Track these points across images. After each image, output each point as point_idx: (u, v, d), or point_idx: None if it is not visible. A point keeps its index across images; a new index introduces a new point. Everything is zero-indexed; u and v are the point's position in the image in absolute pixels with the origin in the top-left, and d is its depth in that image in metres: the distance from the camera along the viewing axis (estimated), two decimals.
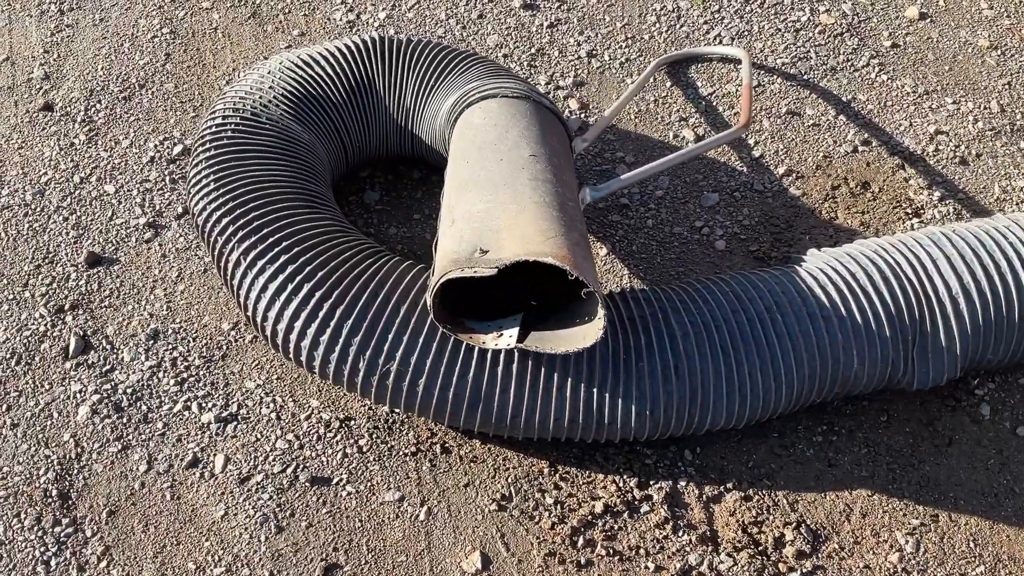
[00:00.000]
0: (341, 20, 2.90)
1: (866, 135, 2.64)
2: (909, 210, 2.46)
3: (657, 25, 2.93)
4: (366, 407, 2.03)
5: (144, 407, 2.05)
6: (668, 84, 2.77)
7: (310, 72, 2.28)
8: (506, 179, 1.87)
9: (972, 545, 1.89)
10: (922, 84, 2.78)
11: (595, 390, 1.83)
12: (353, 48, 2.32)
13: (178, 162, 2.51)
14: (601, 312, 1.67)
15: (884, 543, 1.89)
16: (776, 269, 2.06)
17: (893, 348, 1.94)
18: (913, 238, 2.06)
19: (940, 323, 1.95)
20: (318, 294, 1.85)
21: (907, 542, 1.89)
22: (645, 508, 1.92)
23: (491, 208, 1.80)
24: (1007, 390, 2.13)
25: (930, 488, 1.97)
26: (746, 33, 2.91)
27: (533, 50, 2.83)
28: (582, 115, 2.67)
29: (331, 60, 2.29)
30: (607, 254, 2.36)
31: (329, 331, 1.84)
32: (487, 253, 1.69)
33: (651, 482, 1.96)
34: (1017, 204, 2.49)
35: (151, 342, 2.15)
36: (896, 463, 2.01)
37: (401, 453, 1.97)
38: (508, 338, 1.76)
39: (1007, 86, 2.78)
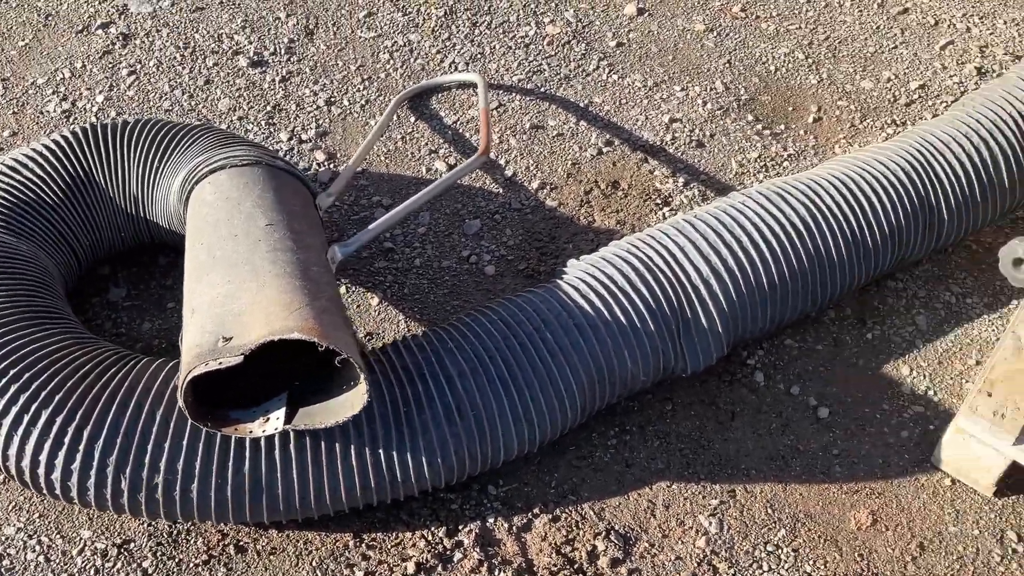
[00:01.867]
0: (55, 111, 2.70)
1: (608, 136, 2.73)
2: (659, 200, 2.56)
3: (392, 62, 2.91)
4: (145, 524, 1.88)
5: None
6: (413, 119, 2.75)
7: (18, 177, 2.10)
8: (243, 256, 1.78)
9: (770, 511, 1.97)
10: (651, 77, 2.91)
11: (381, 451, 1.78)
12: (63, 143, 2.15)
13: None
14: (362, 376, 1.61)
15: (690, 530, 1.94)
16: (539, 287, 2.07)
17: (661, 340, 2.00)
18: (660, 230, 2.13)
19: (699, 307, 2.03)
20: (59, 419, 1.69)
21: (711, 523, 1.95)
22: (458, 556, 1.88)
23: (231, 290, 1.71)
24: (775, 354, 2.24)
25: (723, 465, 2.04)
26: (479, 56, 2.94)
27: (269, 107, 2.75)
28: (330, 166, 2.61)
29: (40, 160, 2.12)
30: (379, 303, 2.31)
31: (80, 456, 1.69)
32: (231, 340, 1.60)
33: (460, 527, 1.92)
34: (754, 175, 2.64)
35: None
36: (688, 448, 2.07)
37: (192, 565, 1.84)
38: (275, 421, 1.68)
39: (727, 65, 2.96)
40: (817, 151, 2.70)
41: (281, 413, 1.68)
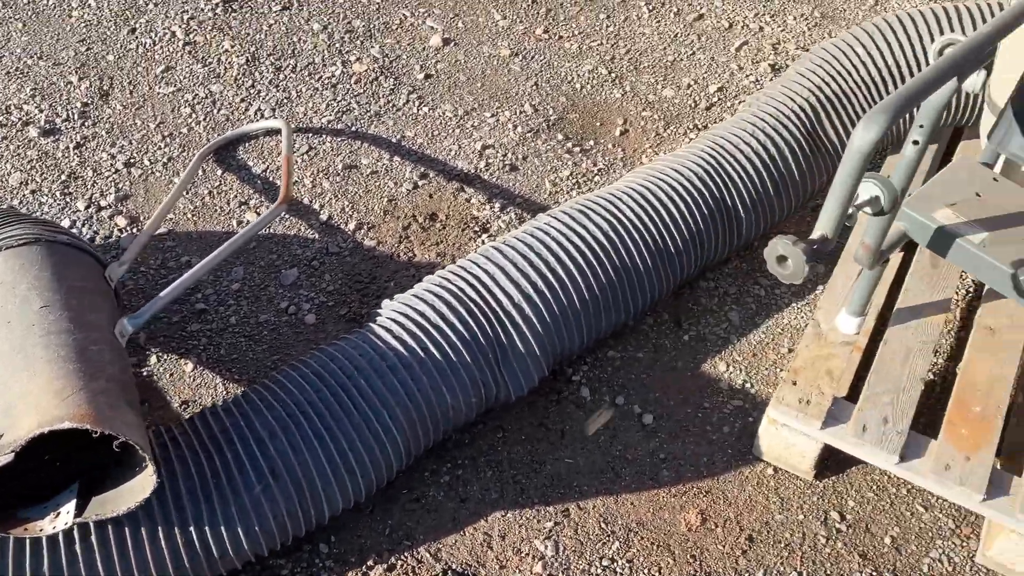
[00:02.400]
0: None
1: (423, 168, 2.72)
2: (477, 228, 2.57)
3: (194, 115, 2.83)
4: None
5: None
6: (220, 172, 2.68)
7: None
8: (16, 344, 1.68)
9: (604, 525, 1.99)
10: (461, 106, 2.92)
11: (193, 528, 1.70)
12: None
13: None
14: (147, 458, 1.54)
15: (527, 557, 1.93)
16: (352, 333, 2.04)
17: (479, 370, 2.00)
18: (470, 260, 2.13)
19: (514, 332, 2.04)
20: None
21: (546, 547, 1.95)
22: None
23: (2, 382, 1.61)
24: (599, 367, 2.27)
25: (556, 485, 2.05)
26: (286, 100, 2.89)
27: (64, 177, 2.62)
28: (133, 230, 2.50)
29: None
30: (194, 368, 2.23)
31: None
32: (1, 437, 1.50)
33: None
34: (567, 192, 2.68)
35: None
36: (521, 473, 2.07)
37: None
38: (66, 515, 1.58)
39: (535, 87, 3.00)
40: (626, 163, 2.77)
41: (71, 507, 1.59)
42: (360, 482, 1.87)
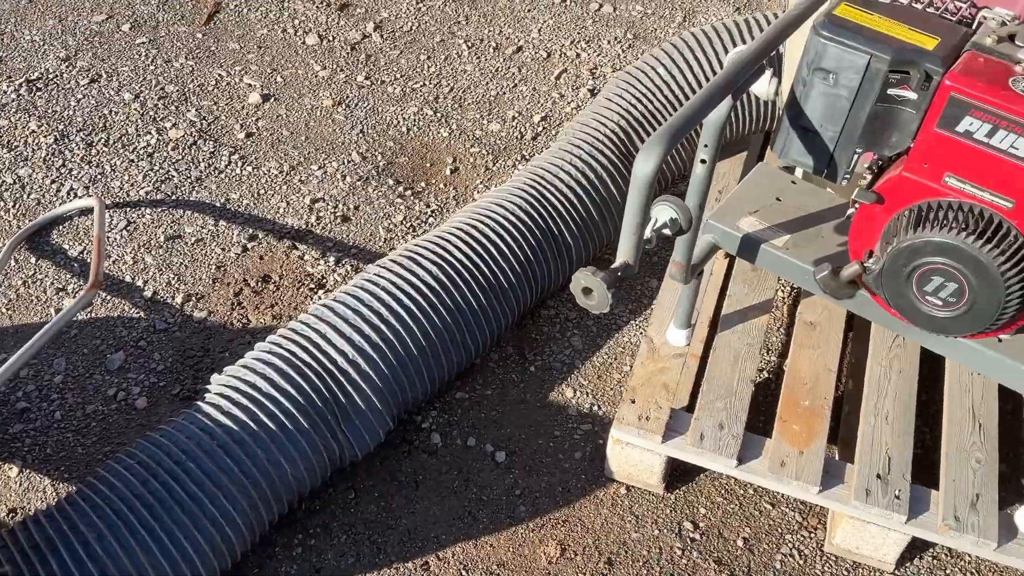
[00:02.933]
0: None
1: (251, 230, 2.66)
2: (312, 285, 2.52)
3: (2, 203, 2.68)
4: None
5: None
6: (34, 259, 2.54)
7: None
8: None
9: (464, 572, 1.97)
10: (286, 161, 2.88)
11: None
12: None
13: None
14: None
15: None
16: (179, 414, 1.96)
17: (320, 434, 1.95)
18: (300, 322, 2.09)
19: (352, 390, 2.00)
20: None
21: None
22: None
23: None
24: (448, 411, 2.26)
25: (413, 539, 2.02)
26: (100, 176, 2.78)
27: None
28: None
29: None
30: (20, 471, 2.09)
31: None
32: None
33: None
34: (402, 237, 2.66)
35: None
36: (376, 532, 2.02)
37: None
38: None
39: (361, 134, 2.98)
40: (458, 200, 2.78)
41: None
42: (202, 570, 1.79)
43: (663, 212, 1.65)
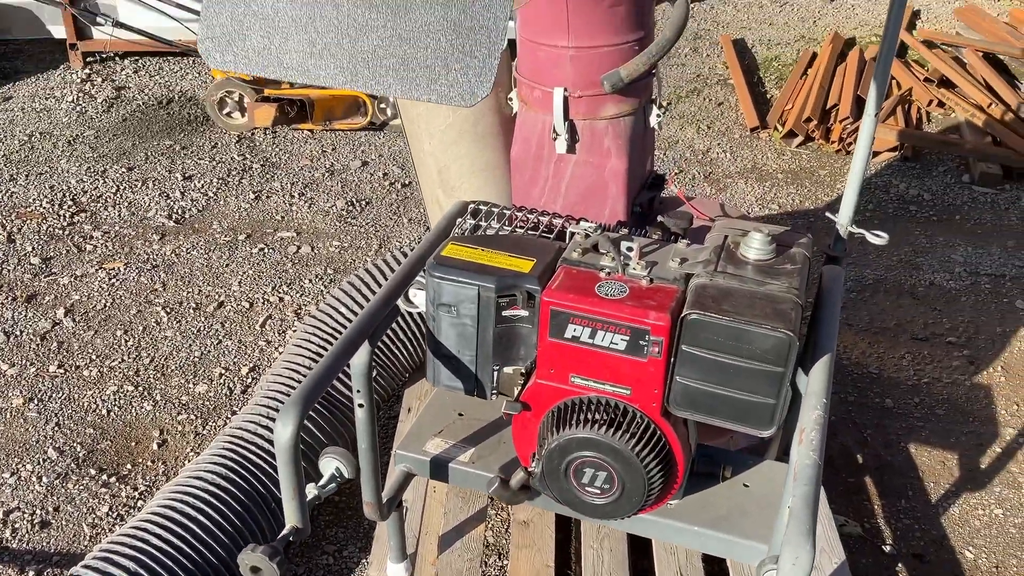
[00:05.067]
0: None
1: None
2: None
3: None
4: None
5: None
6: None
7: None
8: None
9: None
10: None
11: None
12: None
13: None
14: None
15: None
16: None
17: None
18: None
19: None
20: None
21: None
22: None
23: None
24: None
25: None
26: None
27: None
28: None
29: None
30: None
31: None
32: None
33: None
34: (110, 528, 2.51)
35: None
36: None
37: None
38: None
39: (56, 427, 2.84)
40: (168, 475, 2.68)
41: None
42: None
43: (327, 466, 1.69)
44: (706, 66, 5.80)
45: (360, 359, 1.71)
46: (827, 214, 1.96)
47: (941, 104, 5.07)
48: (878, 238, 1.83)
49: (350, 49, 0.91)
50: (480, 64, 0.87)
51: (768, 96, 5.40)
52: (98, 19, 5.22)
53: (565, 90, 1.91)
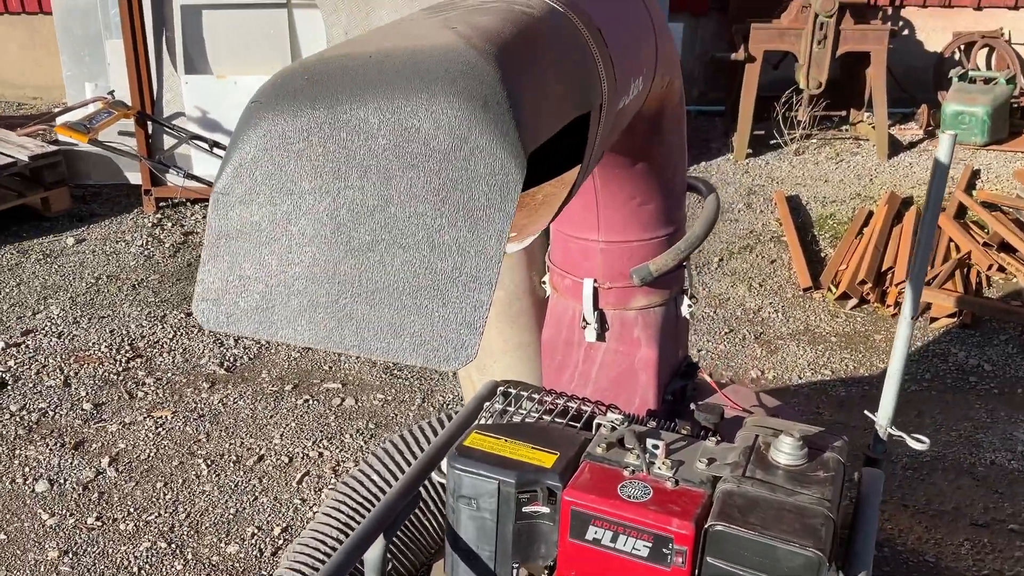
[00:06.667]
0: None
1: None
2: None
3: None
4: None
5: None
6: None
7: None
8: None
9: None
10: None
11: None
12: None
13: None
14: None
15: None
16: None
17: None
18: None
19: None
20: None
21: None
22: None
23: None
24: None
25: None
26: None
27: None
28: None
29: None
30: None
31: None
32: None
33: None
34: None
35: None
36: None
37: None
38: None
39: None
40: None
41: None
42: None
43: None
44: (759, 222, 5.83)
45: (374, 554, 1.67)
46: (865, 412, 1.90)
47: (1002, 269, 4.98)
48: (919, 443, 1.76)
49: (337, 311, 0.92)
50: (464, 334, 0.88)
51: (822, 255, 5.37)
52: (171, 171, 5.50)
53: (595, 281, 1.92)
